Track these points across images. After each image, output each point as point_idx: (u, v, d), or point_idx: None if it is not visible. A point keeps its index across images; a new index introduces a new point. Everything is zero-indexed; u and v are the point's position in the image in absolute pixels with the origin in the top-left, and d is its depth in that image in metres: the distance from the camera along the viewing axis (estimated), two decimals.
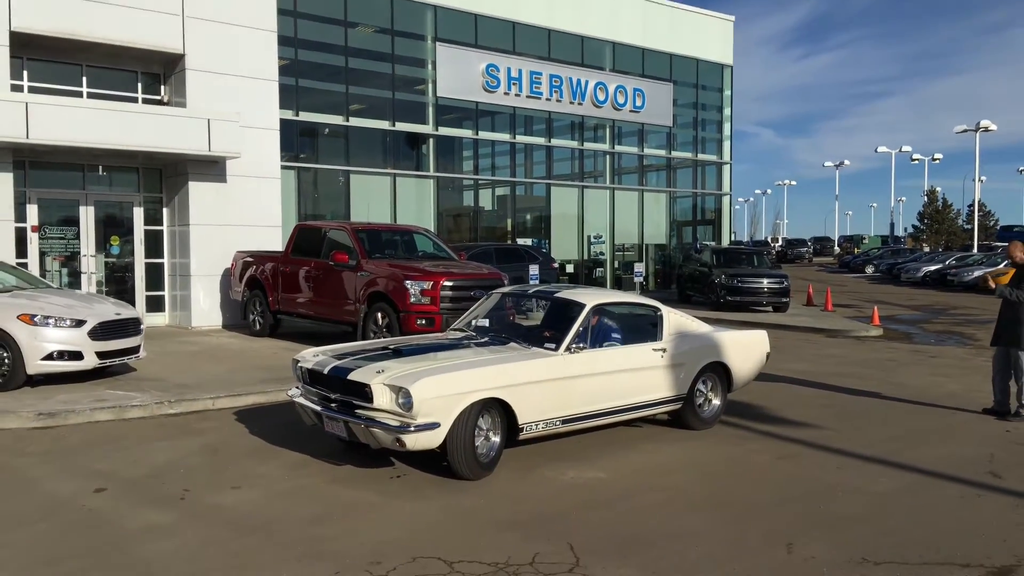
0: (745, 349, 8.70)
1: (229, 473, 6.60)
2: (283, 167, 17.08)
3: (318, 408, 6.69)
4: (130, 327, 10.24)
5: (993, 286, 9.19)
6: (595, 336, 7.40)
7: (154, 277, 16.20)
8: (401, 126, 20.24)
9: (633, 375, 7.53)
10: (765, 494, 6.17)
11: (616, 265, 25.07)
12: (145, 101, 15.64)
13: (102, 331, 9.72)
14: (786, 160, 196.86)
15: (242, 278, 14.94)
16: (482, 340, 7.52)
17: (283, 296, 13.99)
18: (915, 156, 63.86)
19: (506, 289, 8.93)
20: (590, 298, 7.62)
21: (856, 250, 62.43)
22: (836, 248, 71.46)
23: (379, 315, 11.91)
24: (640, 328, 7.97)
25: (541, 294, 8.29)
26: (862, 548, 5.02)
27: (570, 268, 23.71)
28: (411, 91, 20.74)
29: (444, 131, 21.04)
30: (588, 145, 24.44)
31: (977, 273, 31.62)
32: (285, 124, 17.16)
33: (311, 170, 18.95)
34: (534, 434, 6.84)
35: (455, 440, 6.23)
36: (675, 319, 8.21)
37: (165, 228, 16.20)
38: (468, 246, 18.67)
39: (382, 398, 6.18)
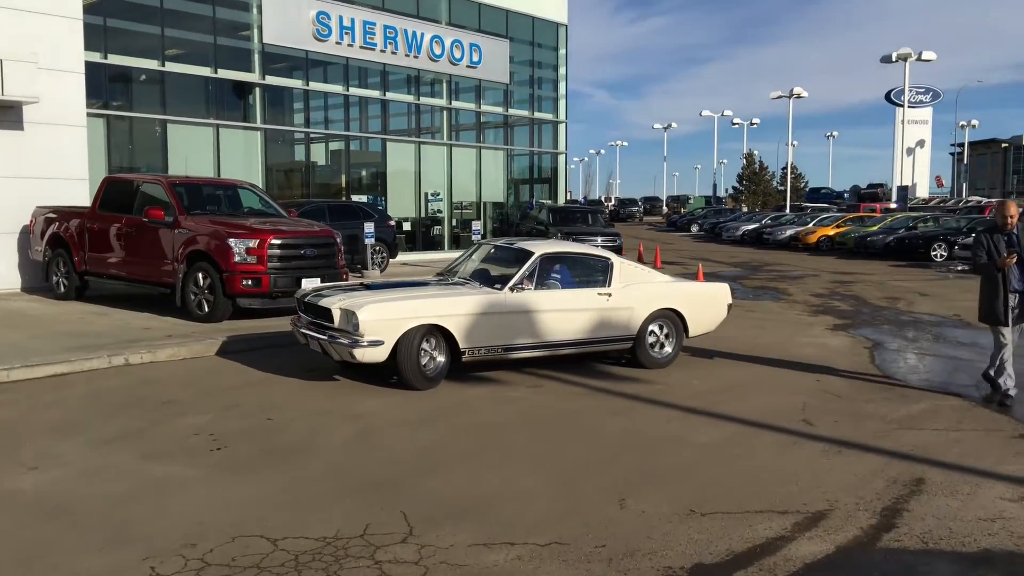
0: (702, 299, 9.68)
1: (26, 452, 5.94)
2: (90, 115, 15.65)
3: (304, 330, 8.11)
4: None
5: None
6: (542, 279, 8.48)
7: None
8: (224, 73, 19.03)
9: (577, 315, 8.54)
10: (598, 450, 6.24)
11: (455, 223, 24.91)
12: None
13: None
14: (619, 121, 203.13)
15: (43, 236, 13.60)
16: (448, 281, 8.75)
17: (91, 256, 12.84)
18: (735, 120, 67.58)
19: (484, 241, 9.90)
20: (541, 248, 8.75)
21: (682, 210, 65.41)
22: (664, 208, 74.57)
23: (200, 275, 11.14)
24: (590, 275, 8.97)
25: (505, 244, 9.50)
26: (689, 500, 5.15)
27: (407, 226, 23.29)
28: (235, 36, 19.52)
29: (272, 80, 19.98)
30: (425, 100, 24.00)
31: (790, 232, 33.99)
32: (92, 68, 15.69)
33: (123, 119, 17.51)
34: (478, 358, 8.05)
35: (403, 356, 7.55)
36: (628, 269, 9.17)
37: None
38: (299, 203, 17.92)
39: (339, 320, 7.60)
